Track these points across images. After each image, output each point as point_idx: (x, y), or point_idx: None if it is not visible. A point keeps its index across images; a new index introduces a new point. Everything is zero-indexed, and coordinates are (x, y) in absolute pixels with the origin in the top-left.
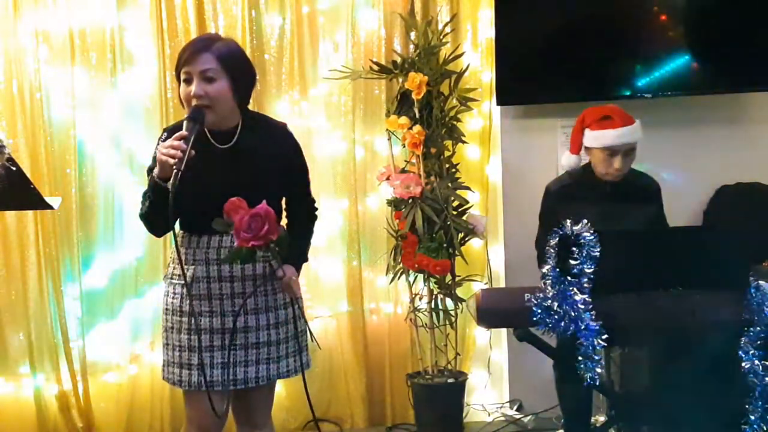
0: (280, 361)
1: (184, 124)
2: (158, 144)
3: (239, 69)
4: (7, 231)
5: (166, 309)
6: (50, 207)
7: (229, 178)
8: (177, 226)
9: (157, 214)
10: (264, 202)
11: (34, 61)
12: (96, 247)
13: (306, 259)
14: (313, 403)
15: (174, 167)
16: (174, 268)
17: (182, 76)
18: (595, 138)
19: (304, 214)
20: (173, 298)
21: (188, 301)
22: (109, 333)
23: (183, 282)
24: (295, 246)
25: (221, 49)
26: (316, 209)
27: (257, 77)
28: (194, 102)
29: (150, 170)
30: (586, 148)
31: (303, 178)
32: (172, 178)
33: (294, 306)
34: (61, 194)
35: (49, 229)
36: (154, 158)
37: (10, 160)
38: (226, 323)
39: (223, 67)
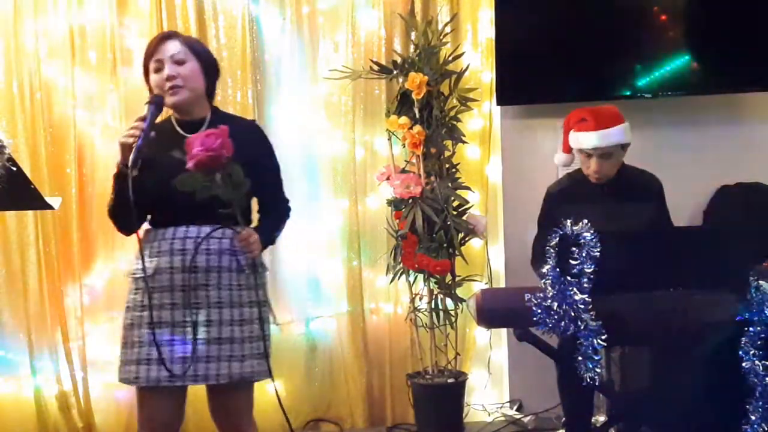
0: (244, 360)
1: (145, 108)
2: None
3: (206, 54)
4: (7, 231)
5: (127, 306)
6: (50, 207)
7: None
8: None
9: (122, 206)
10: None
11: (34, 60)
12: (96, 247)
13: (272, 242)
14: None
15: (132, 145)
16: (136, 264)
17: (152, 66)
18: (571, 139)
19: (276, 212)
20: (134, 293)
21: (148, 294)
22: (109, 333)
23: (143, 276)
24: (261, 225)
25: (186, 37)
26: (289, 209)
27: (219, 70)
28: (168, 84)
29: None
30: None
31: (273, 177)
32: (132, 154)
33: (260, 307)
34: (61, 194)
35: (49, 229)
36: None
37: (10, 160)
38: (187, 316)
39: (190, 50)
